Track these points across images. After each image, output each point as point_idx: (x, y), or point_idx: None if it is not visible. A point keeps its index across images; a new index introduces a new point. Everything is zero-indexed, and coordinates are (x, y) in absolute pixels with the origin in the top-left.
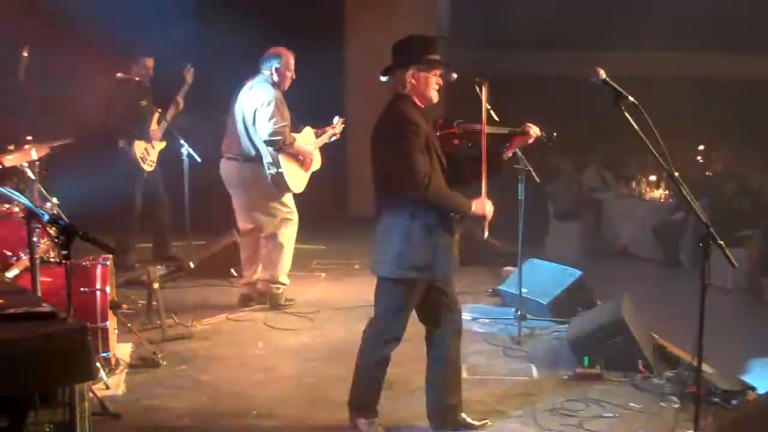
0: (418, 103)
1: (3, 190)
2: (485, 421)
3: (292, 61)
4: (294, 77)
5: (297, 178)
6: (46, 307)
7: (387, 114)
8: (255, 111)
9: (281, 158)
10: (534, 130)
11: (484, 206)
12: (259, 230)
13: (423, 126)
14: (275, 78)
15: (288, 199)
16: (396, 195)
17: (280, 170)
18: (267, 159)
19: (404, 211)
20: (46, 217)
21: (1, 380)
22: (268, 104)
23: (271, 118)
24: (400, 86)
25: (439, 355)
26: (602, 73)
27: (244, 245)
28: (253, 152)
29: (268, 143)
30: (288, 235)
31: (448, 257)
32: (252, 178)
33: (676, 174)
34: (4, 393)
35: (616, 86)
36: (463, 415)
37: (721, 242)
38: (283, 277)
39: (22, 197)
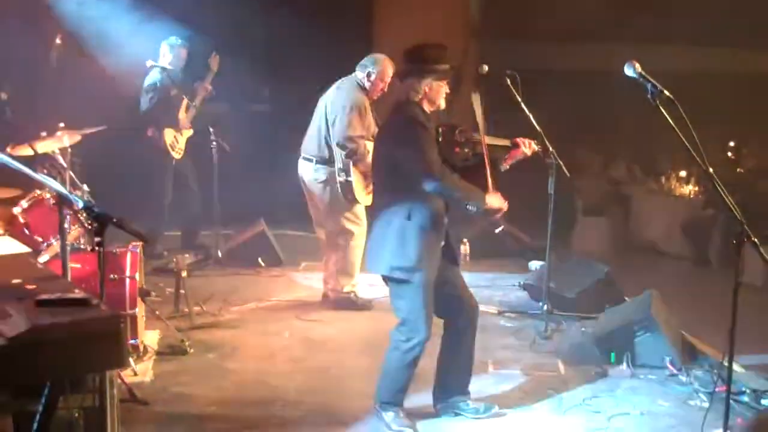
0: (426, 108)
1: (36, 175)
2: (492, 408)
3: (389, 71)
4: (385, 89)
5: (365, 191)
6: (79, 294)
7: (397, 116)
8: (335, 113)
9: (352, 167)
10: (529, 145)
11: (498, 199)
12: (328, 235)
13: (430, 128)
14: (366, 84)
15: (359, 208)
16: (398, 194)
17: (349, 179)
18: (338, 164)
19: (402, 210)
20: (81, 204)
21: (33, 365)
22: (350, 109)
23: (348, 124)
24: (413, 93)
25: (450, 343)
26: (638, 66)
27: (324, 250)
28: (327, 154)
29: (339, 147)
30: (352, 245)
31: (435, 261)
32: (324, 182)
33: (711, 170)
34: (36, 378)
35: (652, 80)
36: (469, 401)
37: (756, 240)
38: (348, 287)
39: (55, 183)
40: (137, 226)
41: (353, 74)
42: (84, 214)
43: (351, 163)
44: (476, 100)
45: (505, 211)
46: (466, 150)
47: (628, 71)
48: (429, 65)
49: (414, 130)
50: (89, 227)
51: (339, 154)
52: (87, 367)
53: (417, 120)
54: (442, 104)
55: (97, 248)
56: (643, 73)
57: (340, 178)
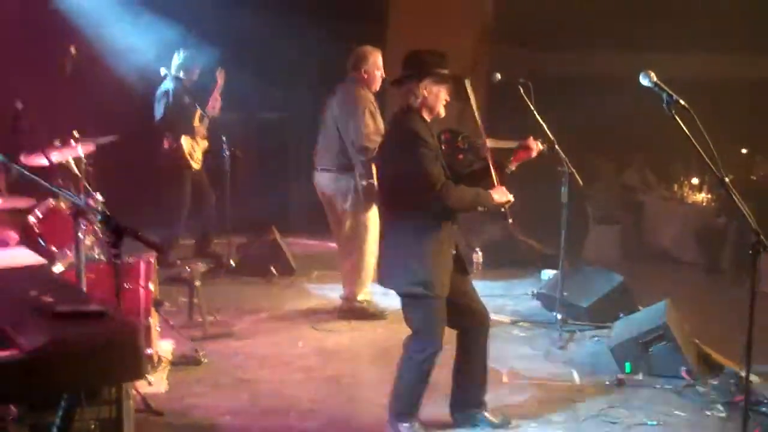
0: (426, 116)
1: (51, 185)
2: (508, 422)
3: (380, 60)
4: (384, 76)
5: None
6: (96, 306)
7: (395, 129)
8: (346, 118)
9: (374, 168)
10: (536, 145)
11: (503, 192)
12: (345, 243)
13: (430, 140)
14: (365, 79)
15: (372, 214)
16: (405, 209)
17: (371, 180)
18: (358, 170)
19: (412, 223)
20: (98, 215)
21: (51, 379)
22: (360, 110)
23: (363, 126)
24: (412, 97)
25: (464, 354)
26: (653, 75)
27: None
28: (345, 162)
29: (359, 151)
30: (366, 251)
31: (447, 272)
32: (346, 190)
33: (727, 179)
34: (54, 391)
35: (666, 88)
36: (486, 413)
37: None
38: (362, 295)
39: (70, 194)
40: (151, 235)
41: (349, 77)
42: (100, 226)
43: (373, 164)
44: (469, 86)
45: (512, 202)
46: (470, 156)
47: (644, 81)
48: (427, 68)
49: (414, 145)
50: (105, 238)
51: (358, 160)
52: (104, 379)
53: (416, 134)
54: (442, 112)
55: (113, 259)
56: (659, 82)
57: (362, 182)
